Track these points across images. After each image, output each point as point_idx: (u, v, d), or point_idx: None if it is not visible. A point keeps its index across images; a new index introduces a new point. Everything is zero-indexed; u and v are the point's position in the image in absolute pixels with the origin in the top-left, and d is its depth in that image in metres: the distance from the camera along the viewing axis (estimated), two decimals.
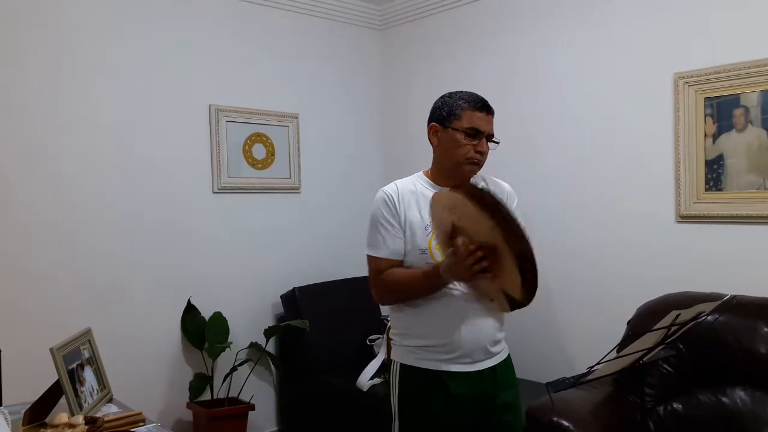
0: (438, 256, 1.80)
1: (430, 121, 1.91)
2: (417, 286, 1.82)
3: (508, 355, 1.96)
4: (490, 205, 1.55)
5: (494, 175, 2.03)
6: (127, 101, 3.24)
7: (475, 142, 1.83)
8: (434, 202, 1.73)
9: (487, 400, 1.86)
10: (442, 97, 1.91)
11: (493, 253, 1.58)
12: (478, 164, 1.87)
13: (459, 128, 1.83)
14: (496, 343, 1.89)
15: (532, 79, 3.48)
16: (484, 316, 1.85)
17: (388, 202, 1.87)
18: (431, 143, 1.92)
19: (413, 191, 1.90)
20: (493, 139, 1.88)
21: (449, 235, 1.68)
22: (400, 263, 1.87)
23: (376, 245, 1.87)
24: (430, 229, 1.83)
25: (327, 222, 4.04)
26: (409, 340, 1.88)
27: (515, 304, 1.66)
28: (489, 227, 1.54)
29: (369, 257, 1.90)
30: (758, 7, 2.67)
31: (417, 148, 3.86)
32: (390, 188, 1.91)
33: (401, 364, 1.89)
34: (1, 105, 2.89)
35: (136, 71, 3.27)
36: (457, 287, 1.81)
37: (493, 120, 1.88)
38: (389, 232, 1.86)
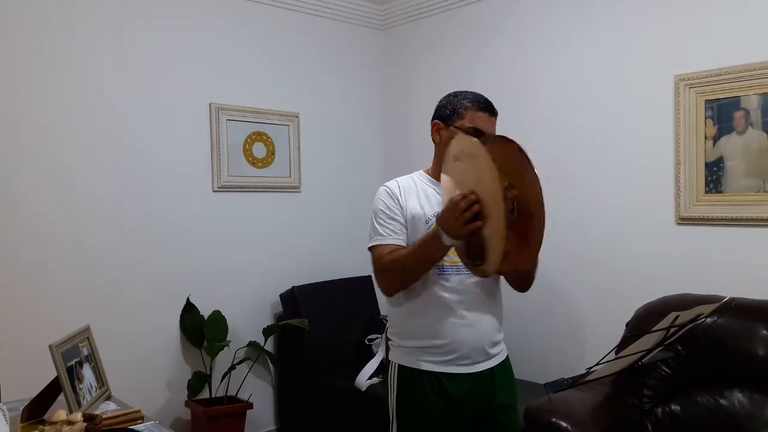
0: None
1: (433, 118, 1.92)
2: (415, 255, 1.74)
3: (507, 356, 1.96)
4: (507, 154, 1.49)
5: None
6: (127, 100, 3.24)
7: None
8: (446, 152, 1.69)
9: (485, 401, 1.86)
10: (447, 95, 1.92)
11: (487, 202, 1.51)
12: None
13: (460, 128, 1.83)
14: (494, 344, 1.89)
15: (532, 80, 3.48)
16: (484, 317, 1.85)
17: (391, 194, 1.88)
18: (433, 140, 1.93)
19: (414, 187, 1.91)
20: None
21: (451, 189, 1.62)
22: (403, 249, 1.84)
23: (381, 234, 1.85)
24: (431, 222, 1.83)
25: (327, 221, 4.04)
26: (407, 340, 1.88)
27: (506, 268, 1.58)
28: (489, 171, 1.47)
29: (372, 248, 1.86)
30: (759, 9, 2.68)
31: (417, 147, 3.87)
32: (391, 183, 1.93)
33: (399, 365, 1.89)
34: (4, 105, 2.89)
35: (137, 70, 3.27)
36: (456, 285, 1.80)
37: (496, 122, 1.88)
38: (393, 219, 1.85)
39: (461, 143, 1.61)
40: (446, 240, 1.62)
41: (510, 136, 1.62)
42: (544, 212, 1.52)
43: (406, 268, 1.79)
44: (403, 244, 1.84)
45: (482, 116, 1.83)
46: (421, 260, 1.75)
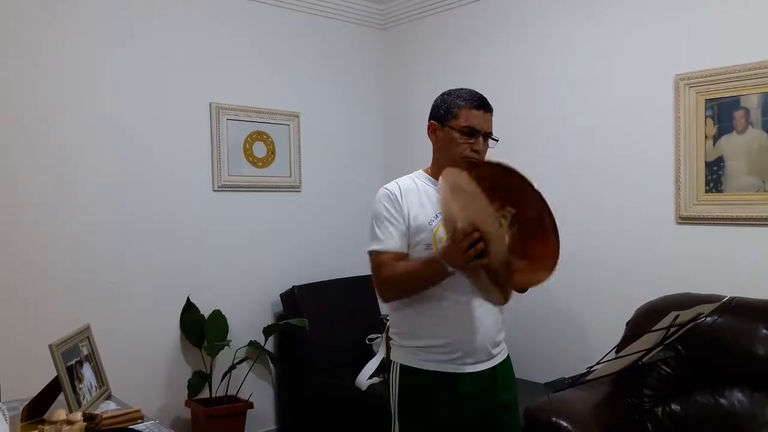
0: None
1: (429, 118, 1.91)
2: (418, 275, 1.76)
3: (508, 355, 1.96)
4: (499, 183, 1.51)
5: None
6: (128, 99, 3.24)
7: (472, 141, 1.82)
8: (440, 182, 1.70)
9: (487, 401, 1.86)
10: (441, 94, 1.91)
11: (488, 239, 1.53)
12: None
13: (456, 127, 1.82)
14: (496, 344, 1.89)
15: (532, 78, 3.48)
16: (486, 317, 1.84)
17: (391, 197, 1.86)
18: (431, 140, 1.92)
19: (414, 189, 1.89)
20: (492, 137, 1.87)
21: (452, 220, 1.64)
22: (404, 257, 1.84)
23: (380, 239, 1.83)
24: (435, 223, 1.82)
25: (327, 221, 4.04)
26: (409, 340, 1.87)
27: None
28: (485, 209, 1.51)
29: (372, 253, 1.85)
30: (759, 9, 2.67)
31: (418, 146, 3.85)
32: (391, 185, 1.90)
33: (401, 365, 1.88)
34: (5, 104, 2.89)
35: (138, 69, 3.27)
36: (458, 285, 1.79)
37: (492, 118, 1.87)
38: (394, 225, 1.83)
39: (454, 177, 1.61)
40: (450, 269, 1.65)
41: (497, 160, 1.63)
42: (554, 222, 1.55)
43: (406, 285, 1.81)
44: (404, 250, 1.83)
45: (477, 114, 1.82)
46: (424, 281, 1.77)
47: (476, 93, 1.86)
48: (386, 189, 1.90)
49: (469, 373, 1.83)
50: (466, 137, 1.82)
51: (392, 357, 1.93)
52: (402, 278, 1.80)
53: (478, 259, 1.55)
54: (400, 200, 1.85)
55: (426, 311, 1.83)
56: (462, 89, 1.88)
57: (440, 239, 1.80)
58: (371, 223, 1.88)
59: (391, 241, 1.82)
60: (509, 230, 1.57)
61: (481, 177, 1.55)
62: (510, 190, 1.57)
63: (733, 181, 2.76)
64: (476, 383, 1.84)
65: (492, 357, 1.87)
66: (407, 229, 1.84)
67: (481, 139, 1.83)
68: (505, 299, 1.64)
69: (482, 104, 1.84)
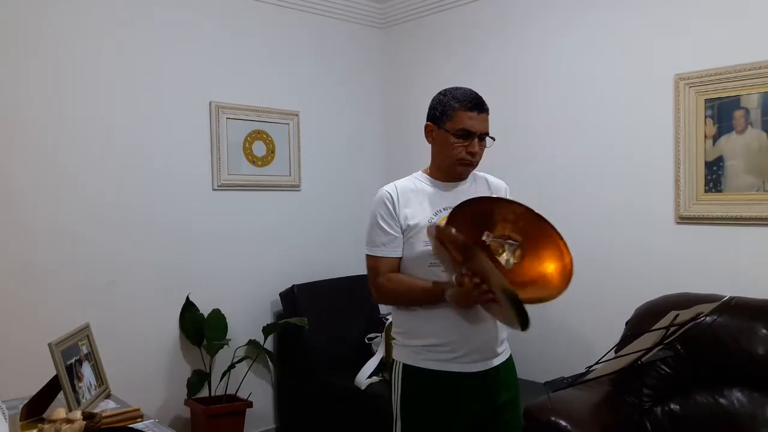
0: None
1: (426, 119, 1.91)
2: (416, 299, 1.84)
3: (510, 354, 1.96)
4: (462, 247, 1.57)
5: (494, 175, 2.03)
6: (127, 98, 3.24)
7: (467, 143, 1.82)
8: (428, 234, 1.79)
9: (489, 401, 1.86)
10: (437, 94, 1.89)
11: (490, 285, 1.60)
12: (471, 165, 1.87)
13: (450, 129, 1.82)
14: (501, 342, 1.90)
15: (532, 78, 3.48)
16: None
17: (387, 202, 1.87)
18: (428, 141, 1.92)
19: (413, 189, 1.89)
20: (488, 136, 1.86)
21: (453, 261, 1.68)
22: (398, 261, 1.87)
23: (375, 244, 1.87)
24: (434, 221, 1.82)
25: (326, 220, 4.04)
26: (412, 339, 1.87)
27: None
28: (484, 259, 1.56)
29: (367, 256, 1.90)
30: (759, 9, 2.68)
31: (418, 146, 3.85)
32: (389, 188, 1.90)
33: (404, 364, 1.88)
34: (3, 103, 2.88)
35: (137, 69, 3.27)
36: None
37: (488, 117, 1.86)
38: (388, 233, 1.85)
39: (438, 232, 1.66)
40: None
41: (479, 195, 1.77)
42: (555, 235, 1.67)
43: (402, 299, 1.88)
44: (399, 256, 1.87)
45: (471, 115, 1.81)
46: (421, 302, 1.84)
47: (471, 93, 1.85)
48: (384, 191, 1.90)
49: (473, 372, 1.83)
50: (461, 140, 1.81)
51: (394, 356, 1.93)
52: (398, 293, 1.87)
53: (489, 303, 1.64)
54: (396, 204, 1.86)
55: (429, 311, 1.83)
56: (457, 89, 1.87)
57: None
58: (368, 226, 1.91)
59: (383, 248, 1.86)
60: (514, 256, 1.67)
61: (475, 212, 1.68)
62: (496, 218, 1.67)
63: (732, 181, 2.76)
64: (480, 382, 1.84)
65: (495, 356, 1.87)
66: (402, 233, 1.86)
67: (476, 140, 1.83)
68: (524, 325, 1.64)
69: (476, 105, 1.83)
